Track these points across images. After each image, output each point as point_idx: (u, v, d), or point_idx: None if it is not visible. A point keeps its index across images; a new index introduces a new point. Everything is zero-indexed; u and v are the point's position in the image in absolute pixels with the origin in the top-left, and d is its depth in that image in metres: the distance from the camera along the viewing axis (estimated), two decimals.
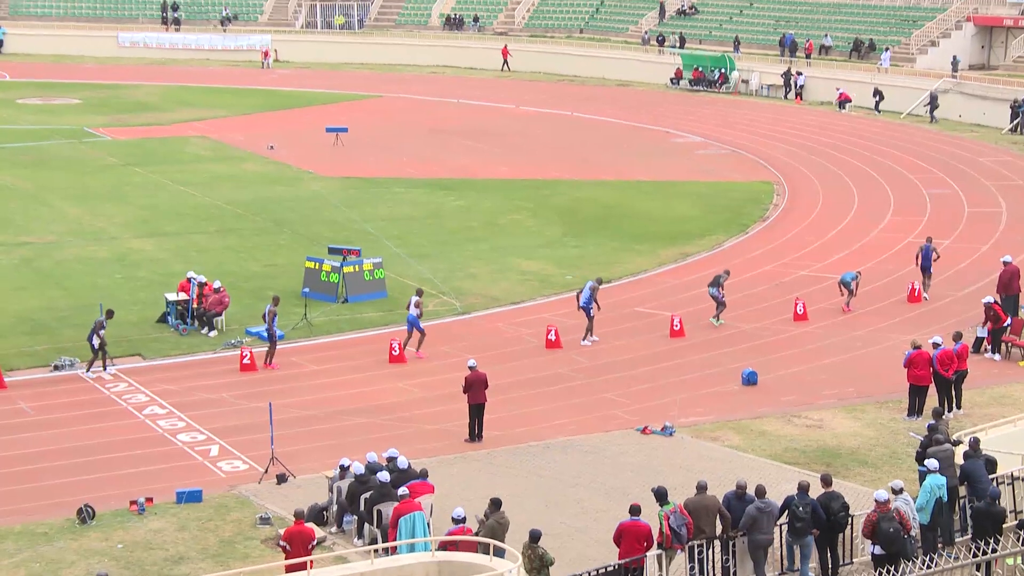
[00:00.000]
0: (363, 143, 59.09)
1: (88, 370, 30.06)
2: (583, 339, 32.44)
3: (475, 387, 26.19)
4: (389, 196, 48.82)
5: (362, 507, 21.63)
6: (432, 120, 66.00)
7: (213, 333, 32.85)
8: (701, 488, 19.94)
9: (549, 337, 32.22)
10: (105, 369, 30.12)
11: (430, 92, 75.59)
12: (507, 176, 52.69)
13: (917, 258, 36.13)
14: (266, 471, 24.23)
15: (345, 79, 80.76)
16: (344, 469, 22.58)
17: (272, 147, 57.76)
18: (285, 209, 46.44)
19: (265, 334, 31.12)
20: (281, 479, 24.03)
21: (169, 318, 33.53)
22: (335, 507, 22.43)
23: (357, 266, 35.84)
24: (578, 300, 32.71)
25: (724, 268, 35.07)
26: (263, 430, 25.07)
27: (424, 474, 21.99)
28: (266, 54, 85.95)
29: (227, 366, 30.85)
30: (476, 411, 26.32)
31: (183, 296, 33.60)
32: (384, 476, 21.62)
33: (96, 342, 29.85)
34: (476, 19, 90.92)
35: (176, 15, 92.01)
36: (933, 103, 64.81)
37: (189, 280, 33.69)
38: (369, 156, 56.65)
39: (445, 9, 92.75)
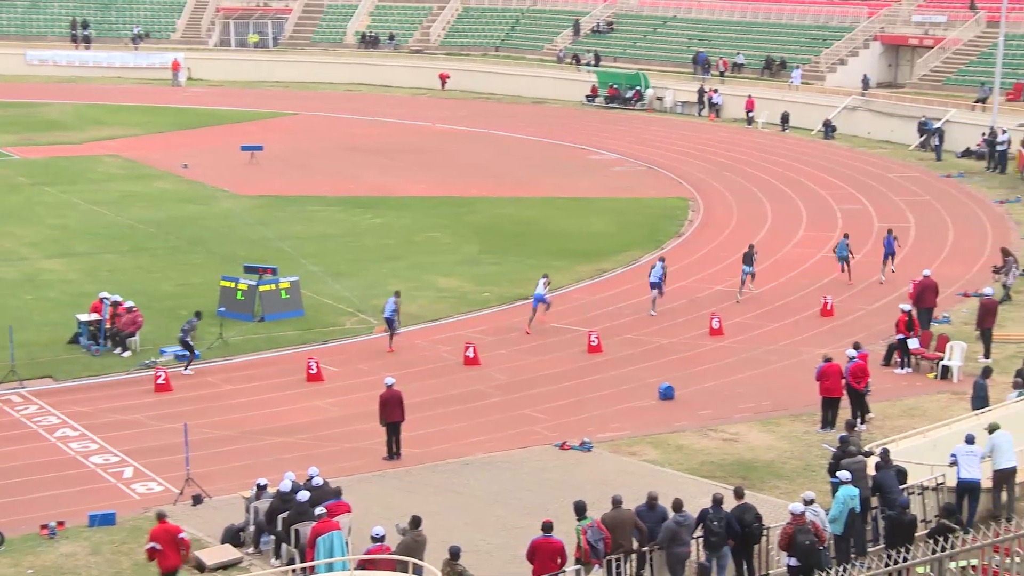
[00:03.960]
0: (278, 161, 58.77)
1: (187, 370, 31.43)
2: (651, 310, 36.10)
3: (389, 405, 26.09)
4: (305, 214, 48.57)
5: (279, 527, 21.45)
6: (348, 138, 65.85)
7: (127, 354, 32.42)
8: (616, 502, 20.04)
9: (467, 354, 32.23)
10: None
11: (346, 110, 75.41)
12: (424, 194, 52.69)
13: (883, 245, 39.65)
14: (181, 492, 23.95)
15: (260, 97, 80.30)
16: (261, 489, 22.38)
17: (186, 166, 57.22)
18: (199, 228, 46.02)
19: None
20: (197, 500, 23.75)
21: (81, 339, 33.04)
22: (252, 527, 22.21)
23: (273, 285, 35.60)
24: (649, 275, 36.38)
25: (749, 243, 39.07)
26: (178, 451, 24.77)
27: (338, 492, 21.83)
28: (176, 66, 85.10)
29: (141, 387, 30.46)
30: (392, 429, 26.22)
31: (95, 316, 33.12)
32: (303, 496, 21.46)
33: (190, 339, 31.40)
34: (392, 37, 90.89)
35: (86, 33, 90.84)
36: (828, 128, 66.10)
37: (102, 300, 33.23)
38: (284, 174, 56.34)
39: (360, 27, 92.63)
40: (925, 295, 33.86)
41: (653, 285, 36.14)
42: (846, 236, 40.34)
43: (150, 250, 43.01)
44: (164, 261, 41.64)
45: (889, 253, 39.38)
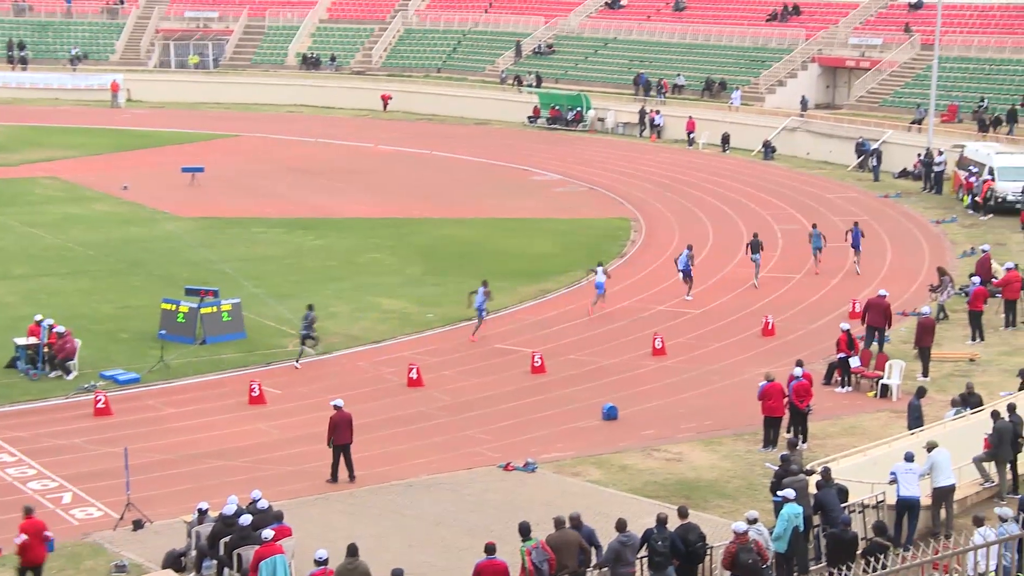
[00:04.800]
0: (220, 183, 58.45)
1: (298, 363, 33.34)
2: (687, 294, 39.64)
3: (341, 427, 25.94)
4: (247, 236, 48.32)
5: (222, 551, 21.25)
6: (290, 159, 65.61)
7: (72, 376, 32.01)
8: (559, 523, 20.01)
9: (411, 375, 32.16)
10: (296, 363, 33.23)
11: (288, 131, 75.14)
12: (367, 215, 52.59)
13: (846, 237, 43.35)
14: (121, 517, 23.69)
15: (201, 119, 79.81)
16: (203, 513, 22.16)
17: (126, 187, 56.76)
18: (140, 250, 45.65)
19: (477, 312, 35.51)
20: (137, 525, 23.50)
21: (19, 363, 32.62)
22: (194, 552, 21.98)
23: (215, 307, 35.35)
24: (676, 264, 39.99)
25: (753, 232, 43.05)
26: (118, 476, 24.49)
27: (279, 516, 21.66)
28: (114, 87, 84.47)
29: (80, 411, 30.12)
30: (341, 451, 26.03)
31: (33, 340, 32.72)
32: (246, 519, 21.27)
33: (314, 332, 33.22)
34: (333, 58, 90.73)
35: (23, 54, 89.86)
36: (768, 149, 66.83)
37: (38, 324, 32.84)
38: (226, 196, 56.04)
39: (302, 48, 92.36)
40: (869, 312, 34.15)
41: (683, 272, 39.68)
42: (815, 226, 44.10)
43: (90, 273, 42.60)
44: (104, 284, 41.26)
45: (856, 246, 42.96)
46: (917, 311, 35.19)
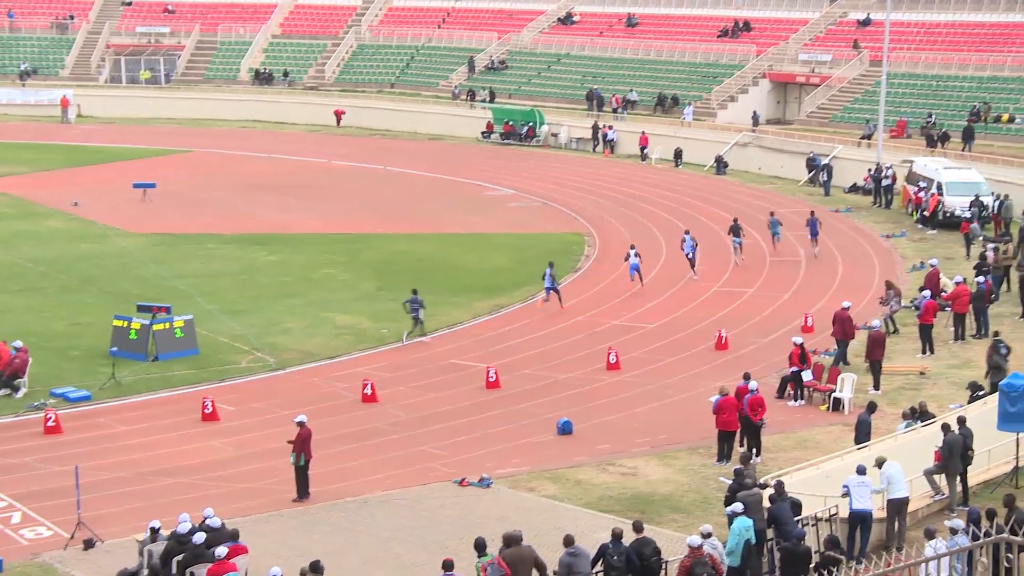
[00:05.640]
0: (172, 199, 58.11)
1: (406, 339, 36.46)
2: (693, 276, 43.52)
3: (308, 443, 25.77)
4: (200, 252, 48.05)
5: (174, 570, 21.09)
6: (243, 175, 65.35)
7: (21, 394, 31.66)
8: (516, 539, 19.98)
9: (365, 391, 32.08)
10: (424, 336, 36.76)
11: (240, 147, 74.85)
12: (320, 230, 52.46)
13: (807, 226, 47.94)
14: (72, 537, 23.44)
15: (152, 134, 79.36)
16: (155, 532, 21.98)
17: (77, 203, 56.32)
18: (91, 266, 45.29)
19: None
20: (88, 544, 23.28)
21: None
22: (146, 571, 21.79)
23: (167, 323, 35.12)
24: (683, 249, 44.04)
25: (733, 217, 48.14)
26: (69, 494, 24.25)
27: (235, 535, 21.52)
28: (64, 103, 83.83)
29: (31, 429, 29.80)
30: (304, 468, 25.84)
31: None
32: (199, 537, 21.13)
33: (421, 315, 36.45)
34: (286, 74, 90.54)
35: None
36: (720, 164, 67.31)
37: None
38: (178, 212, 55.71)
39: (254, 63, 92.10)
40: (835, 325, 34.56)
41: (689, 257, 43.77)
42: (772, 214, 48.93)
43: (41, 289, 42.22)
44: (55, 300, 40.90)
45: (814, 234, 47.27)
46: (868, 325, 35.45)
